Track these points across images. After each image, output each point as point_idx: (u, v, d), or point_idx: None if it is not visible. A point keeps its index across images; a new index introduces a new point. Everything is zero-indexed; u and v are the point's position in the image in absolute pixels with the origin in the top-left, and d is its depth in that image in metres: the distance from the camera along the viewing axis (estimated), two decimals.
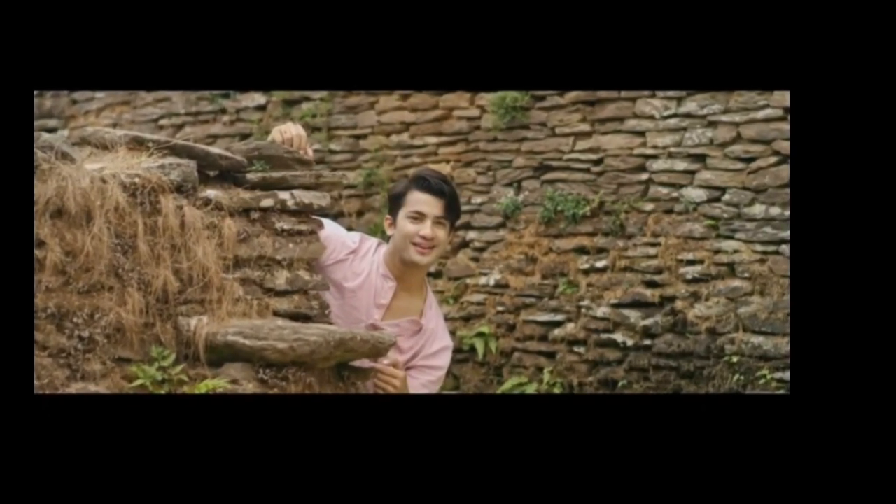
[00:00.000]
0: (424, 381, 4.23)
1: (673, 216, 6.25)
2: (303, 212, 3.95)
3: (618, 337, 6.35)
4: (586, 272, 6.49)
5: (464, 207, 6.36)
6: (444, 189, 4.19)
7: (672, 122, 6.25)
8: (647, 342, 6.24)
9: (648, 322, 6.24)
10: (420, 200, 4.17)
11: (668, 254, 6.23)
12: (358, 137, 7.42)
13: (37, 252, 3.40)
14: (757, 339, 5.90)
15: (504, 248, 6.81)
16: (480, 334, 6.79)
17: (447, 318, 6.29)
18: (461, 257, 6.96)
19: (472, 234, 6.93)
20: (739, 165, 6.04)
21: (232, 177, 3.89)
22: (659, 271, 6.26)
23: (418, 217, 4.16)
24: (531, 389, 6.52)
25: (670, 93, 6.23)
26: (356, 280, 4.18)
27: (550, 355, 6.60)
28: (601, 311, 6.41)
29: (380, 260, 4.22)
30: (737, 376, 5.89)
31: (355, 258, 4.21)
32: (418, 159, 7.11)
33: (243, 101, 7.89)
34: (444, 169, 6.84)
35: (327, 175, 4.04)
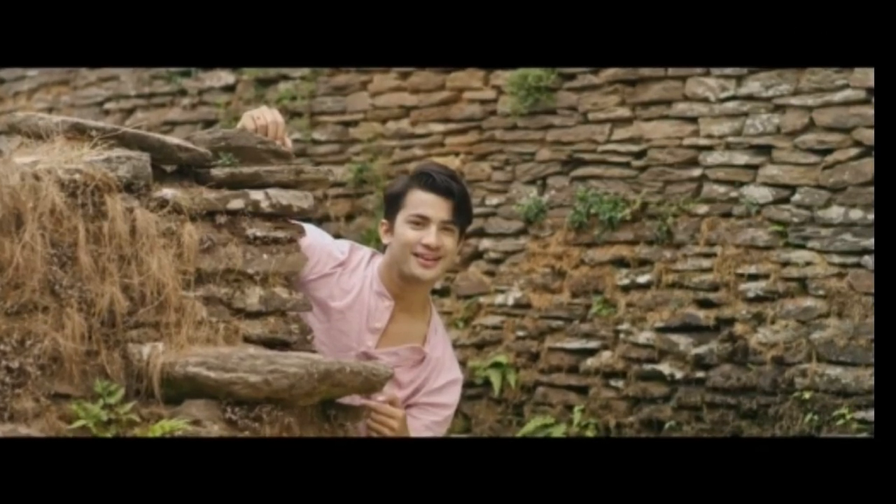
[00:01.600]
0: (428, 422, 4.23)
1: (731, 221, 6.25)
2: (280, 215, 3.95)
3: (664, 368, 6.35)
4: (626, 289, 6.49)
5: (476, 210, 6.37)
6: (451, 188, 4.19)
7: (730, 105, 6.25)
8: (700, 374, 6.24)
9: (701, 350, 6.24)
10: (423, 202, 4.17)
11: (726, 267, 6.23)
12: (347, 125, 7.43)
13: None
14: (834, 371, 5.89)
15: (525, 259, 6.81)
16: (497, 365, 6.80)
17: (456, 346, 6.29)
18: (473, 271, 6.97)
19: (486, 243, 6.94)
20: (812, 159, 6.05)
21: (193, 173, 3.90)
22: (714, 288, 6.26)
23: (421, 222, 4.16)
24: (559, 432, 6.52)
25: (728, 70, 6.23)
26: (345, 298, 4.19)
27: (582, 390, 6.60)
28: (644, 336, 6.41)
29: (374, 274, 4.23)
30: (809, 416, 5.89)
31: (344, 272, 4.21)
32: (421, 151, 7.12)
33: (207, 80, 7.91)
34: (453, 163, 6.85)
35: (310, 170, 4.05)
